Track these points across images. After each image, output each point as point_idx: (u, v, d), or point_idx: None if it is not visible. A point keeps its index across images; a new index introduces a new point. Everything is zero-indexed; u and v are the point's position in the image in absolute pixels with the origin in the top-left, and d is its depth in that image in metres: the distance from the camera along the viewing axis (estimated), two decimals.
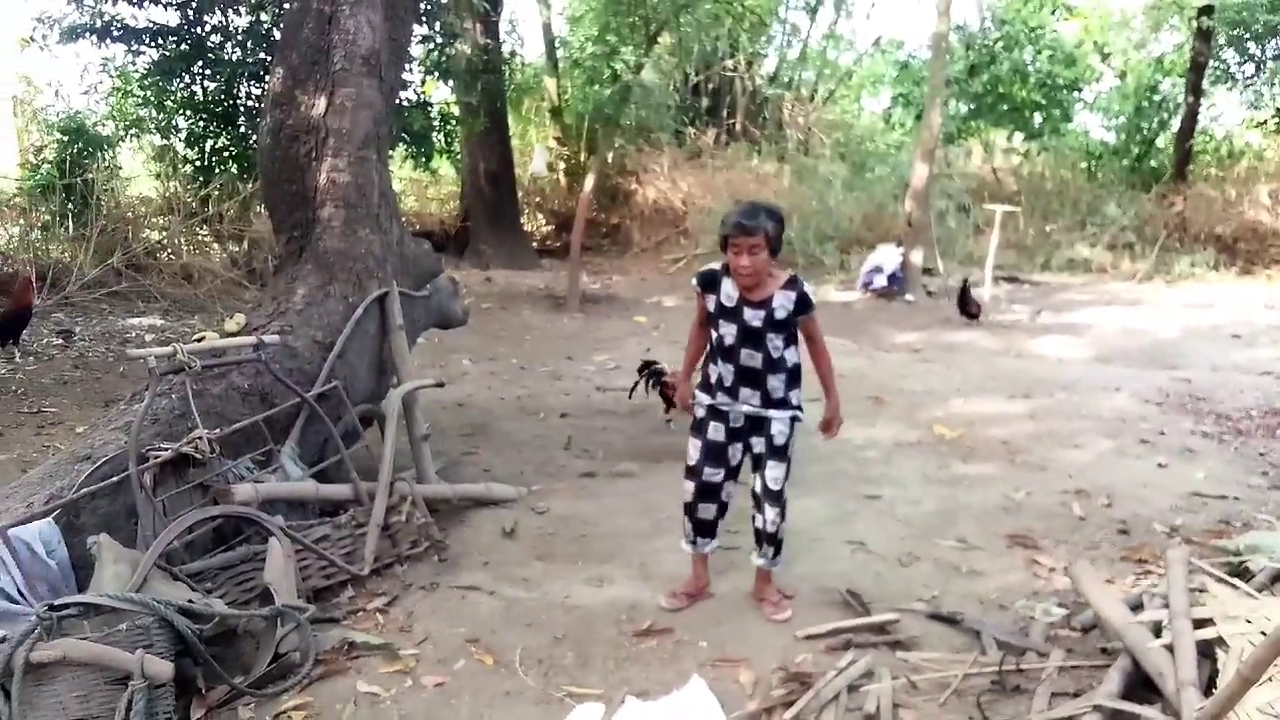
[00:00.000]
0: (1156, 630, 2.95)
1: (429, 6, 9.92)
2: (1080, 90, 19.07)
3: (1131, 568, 4.11)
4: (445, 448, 5.59)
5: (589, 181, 12.22)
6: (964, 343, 9.85)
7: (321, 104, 4.78)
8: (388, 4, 5.09)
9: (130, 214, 10.61)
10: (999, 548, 4.33)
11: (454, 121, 12.52)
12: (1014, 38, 18.03)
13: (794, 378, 3.51)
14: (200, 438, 3.53)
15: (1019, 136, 19.62)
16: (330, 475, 4.22)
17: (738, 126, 18.28)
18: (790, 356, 3.48)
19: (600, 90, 11.94)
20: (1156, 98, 19.29)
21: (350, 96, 4.81)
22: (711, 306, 3.50)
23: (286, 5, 8.57)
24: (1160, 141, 19.61)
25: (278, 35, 9.14)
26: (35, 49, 9.84)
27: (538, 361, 8.52)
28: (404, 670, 3.18)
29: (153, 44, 9.72)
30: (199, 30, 9.77)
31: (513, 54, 13.83)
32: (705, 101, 18.13)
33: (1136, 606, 3.22)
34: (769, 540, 3.63)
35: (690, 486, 3.62)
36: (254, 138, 9.81)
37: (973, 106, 18.61)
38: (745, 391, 3.47)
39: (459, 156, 14.71)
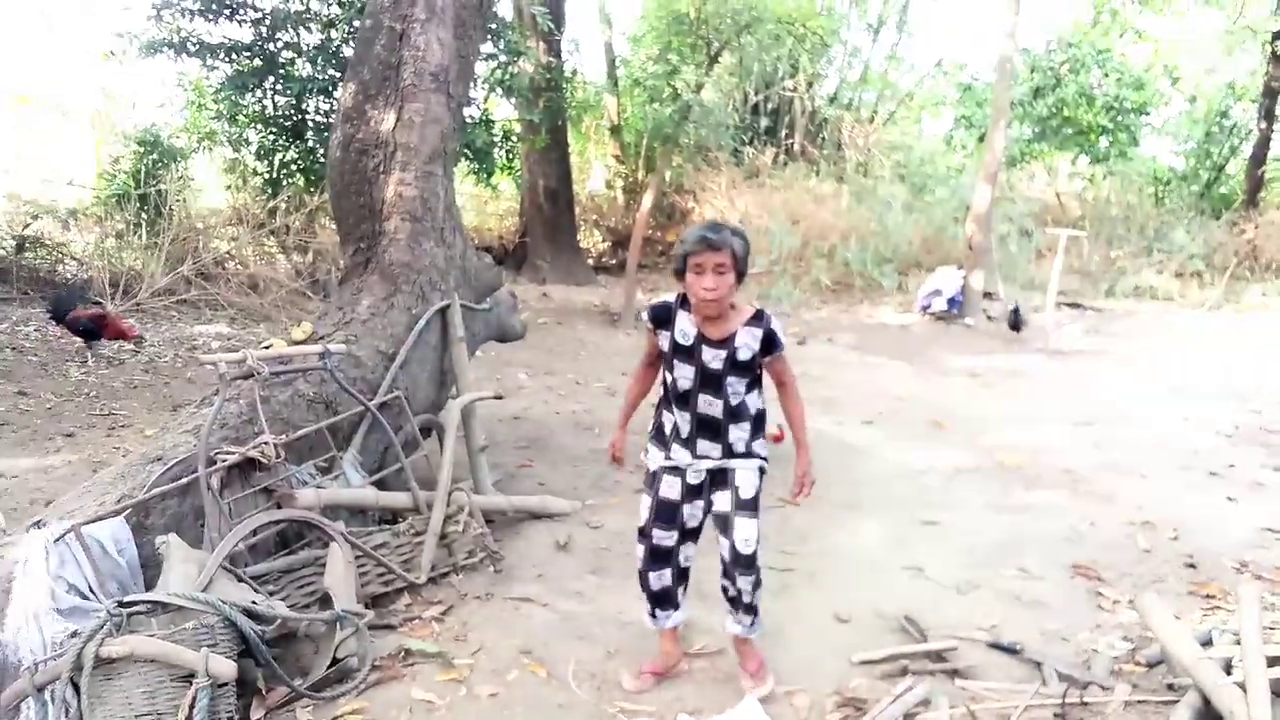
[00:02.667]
0: (1227, 667, 2.87)
1: (494, 25, 10.08)
2: (1148, 114, 18.71)
3: (1199, 603, 4.00)
4: (501, 460, 5.64)
5: (647, 199, 12.26)
6: (1025, 368, 9.70)
7: (391, 119, 4.87)
8: (457, 21, 5.18)
9: (200, 224, 10.88)
10: (1062, 578, 4.24)
11: (515, 138, 12.68)
12: (1080, 60, 17.76)
13: (758, 426, 3.08)
14: (266, 443, 3.60)
15: (1084, 160, 19.30)
16: (390, 483, 4.27)
17: (796, 146, 18.23)
18: (753, 403, 3.05)
19: (660, 109, 12.01)
20: (1228, 123, 18.88)
21: (419, 112, 4.90)
22: (665, 345, 3.04)
23: (358, 23, 8.79)
24: (1231, 168, 19.18)
25: (347, 52, 9.40)
26: (115, 63, 10.16)
27: (593, 377, 8.56)
28: (458, 679, 3.20)
29: (227, 59, 10.00)
30: (271, 47, 10.03)
31: (574, 72, 13.98)
32: (764, 121, 18.12)
33: (1205, 643, 3.14)
34: (745, 609, 3.15)
35: (640, 550, 3.18)
36: (321, 152, 10.05)
37: (1037, 129, 18.34)
38: (704, 444, 3.03)
39: (519, 173, 14.87)
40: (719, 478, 3.07)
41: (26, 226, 9.99)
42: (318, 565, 3.53)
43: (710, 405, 2.99)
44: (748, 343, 2.95)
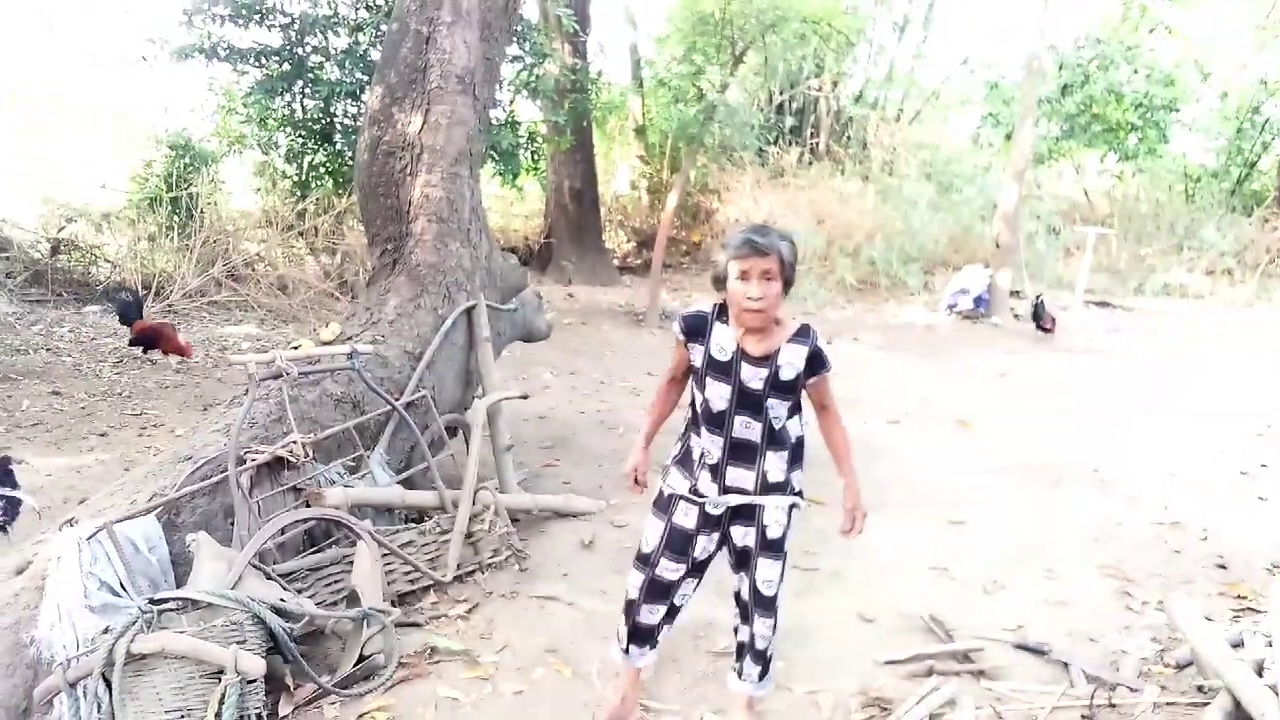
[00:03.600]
0: (1259, 669, 2.84)
1: (519, 27, 10.11)
2: (1178, 111, 18.49)
3: (1229, 604, 3.96)
4: (526, 459, 5.66)
5: (671, 199, 12.26)
6: (1052, 367, 9.61)
7: (417, 121, 4.92)
8: (483, 24, 5.22)
9: (230, 227, 11.00)
10: (1089, 579, 4.21)
11: (541, 140, 12.72)
12: (1109, 57, 17.58)
13: (796, 455, 2.79)
14: (295, 442, 3.64)
15: (1113, 158, 19.11)
16: (416, 482, 4.31)
17: (821, 146, 18.17)
18: (794, 428, 2.77)
19: (685, 109, 12.00)
20: (1259, 119, 18.63)
21: (445, 114, 4.94)
22: (698, 360, 2.74)
23: (385, 27, 8.84)
24: (1263, 164, 18.93)
25: (375, 56, 9.45)
26: (147, 68, 10.30)
27: (618, 377, 8.57)
28: (483, 677, 3.23)
29: (256, 64, 10.10)
30: (300, 51, 10.12)
31: (599, 74, 14.00)
32: (789, 121, 18.07)
33: (1237, 644, 3.11)
34: (755, 657, 2.88)
35: (637, 580, 2.90)
36: (349, 154, 10.13)
37: (1065, 127, 18.18)
38: (735, 472, 2.73)
39: (544, 174, 14.93)
40: (745, 510, 2.77)
41: (61, 230, 10.15)
42: (345, 563, 3.57)
43: (748, 428, 2.70)
44: (791, 361, 2.66)
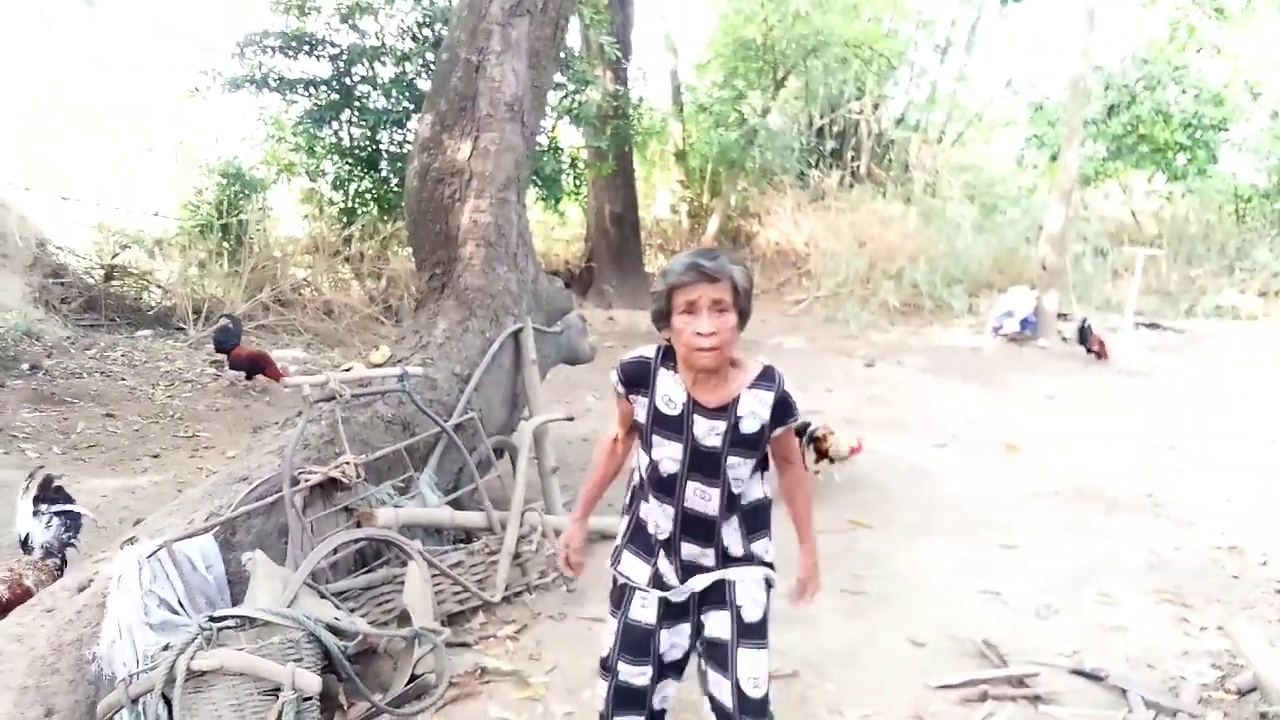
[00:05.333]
0: None
1: (563, 54, 10.25)
2: (1228, 131, 18.20)
3: None
4: (572, 481, 5.67)
5: (712, 223, 12.34)
6: (1101, 390, 9.47)
7: (466, 148, 5.00)
8: (531, 53, 5.30)
9: (279, 253, 11.21)
10: (1145, 604, 4.14)
11: (583, 165, 12.84)
12: (1156, 77, 17.39)
13: (761, 522, 2.36)
14: (348, 463, 3.69)
15: (1161, 178, 18.85)
16: (464, 503, 4.34)
17: (863, 169, 18.13)
18: (756, 490, 2.33)
19: (726, 134, 12.07)
20: None
21: (494, 141, 5.02)
22: (642, 414, 2.29)
23: (431, 56, 9.01)
24: None
25: (420, 85, 9.65)
26: (199, 98, 10.57)
27: None
28: (534, 698, 3.24)
29: (305, 94, 10.34)
30: (348, 80, 10.35)
31: (640, 100, 14.12)
32: (830, 144, 18.06)
33: None
34: None
35: (604, 690, 2.44)
36: (395, 181, 10.31)
37: (1112, 148, 17.97)
38: (690, 547, 2.29)
39: (585, 199, 15.06)
40: (713, 591, 2.33)
41: (115, 256, 10.40)
42: (396, 583, 3.60)
43: (703, 496, 2.25)
44: (754, 410, 2.23)
